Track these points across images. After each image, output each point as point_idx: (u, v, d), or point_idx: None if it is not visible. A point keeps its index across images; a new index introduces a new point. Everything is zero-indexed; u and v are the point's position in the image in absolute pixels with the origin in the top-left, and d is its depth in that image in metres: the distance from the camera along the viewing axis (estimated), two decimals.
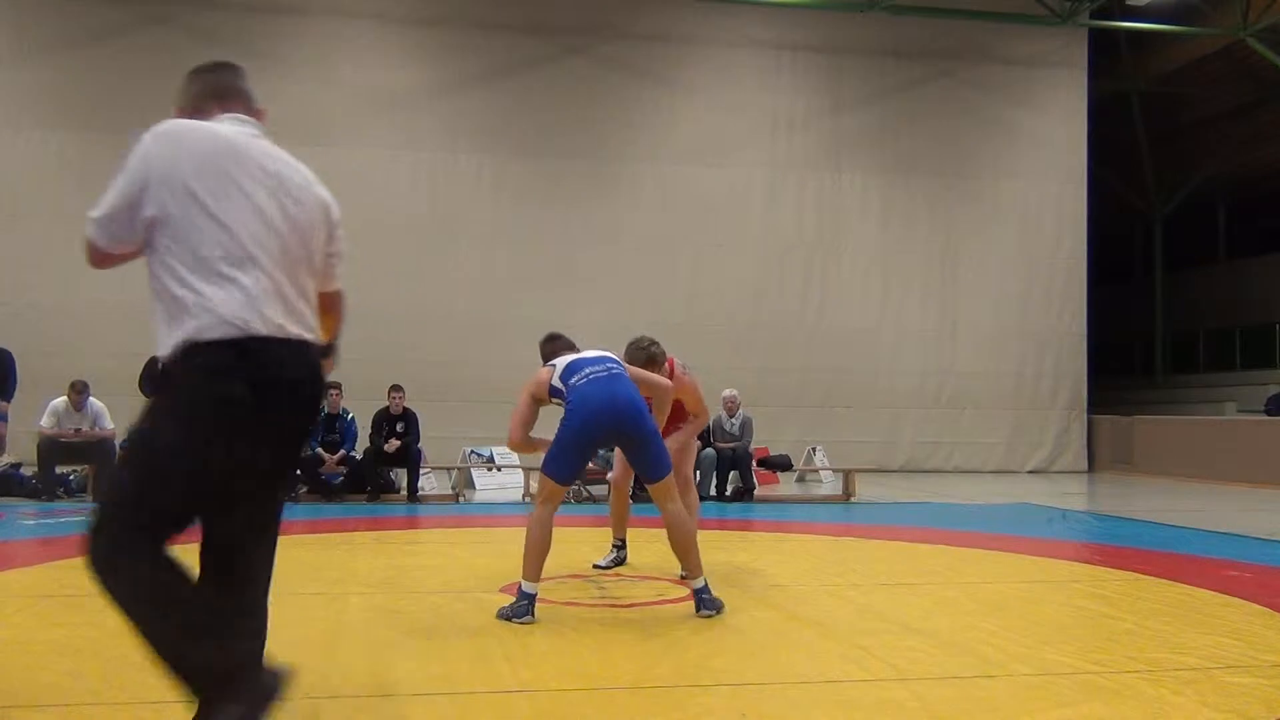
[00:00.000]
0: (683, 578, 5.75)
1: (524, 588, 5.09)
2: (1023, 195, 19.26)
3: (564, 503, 11.38)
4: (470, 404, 16.69)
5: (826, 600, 5.76)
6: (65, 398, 11.35)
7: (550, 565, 6.33)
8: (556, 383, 5.38)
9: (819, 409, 18.28)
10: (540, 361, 5.77)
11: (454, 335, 17.03)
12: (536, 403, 5.50)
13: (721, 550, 7.89)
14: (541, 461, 5.29)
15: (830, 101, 18.72)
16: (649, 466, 5.28)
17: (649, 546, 7.16)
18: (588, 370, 5.32)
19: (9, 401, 11.81)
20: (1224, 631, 5.01)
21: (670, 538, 5.37)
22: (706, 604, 5.22)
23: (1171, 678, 4.14)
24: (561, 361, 5.48)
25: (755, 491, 12.66)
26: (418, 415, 11.96)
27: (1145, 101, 23.92)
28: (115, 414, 11.75)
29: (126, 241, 2.80)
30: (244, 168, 2.82)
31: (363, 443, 11.88)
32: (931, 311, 18.88)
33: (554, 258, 17.59)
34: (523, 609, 5.04)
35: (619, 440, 5.45)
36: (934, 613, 5.41)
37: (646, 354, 6.08)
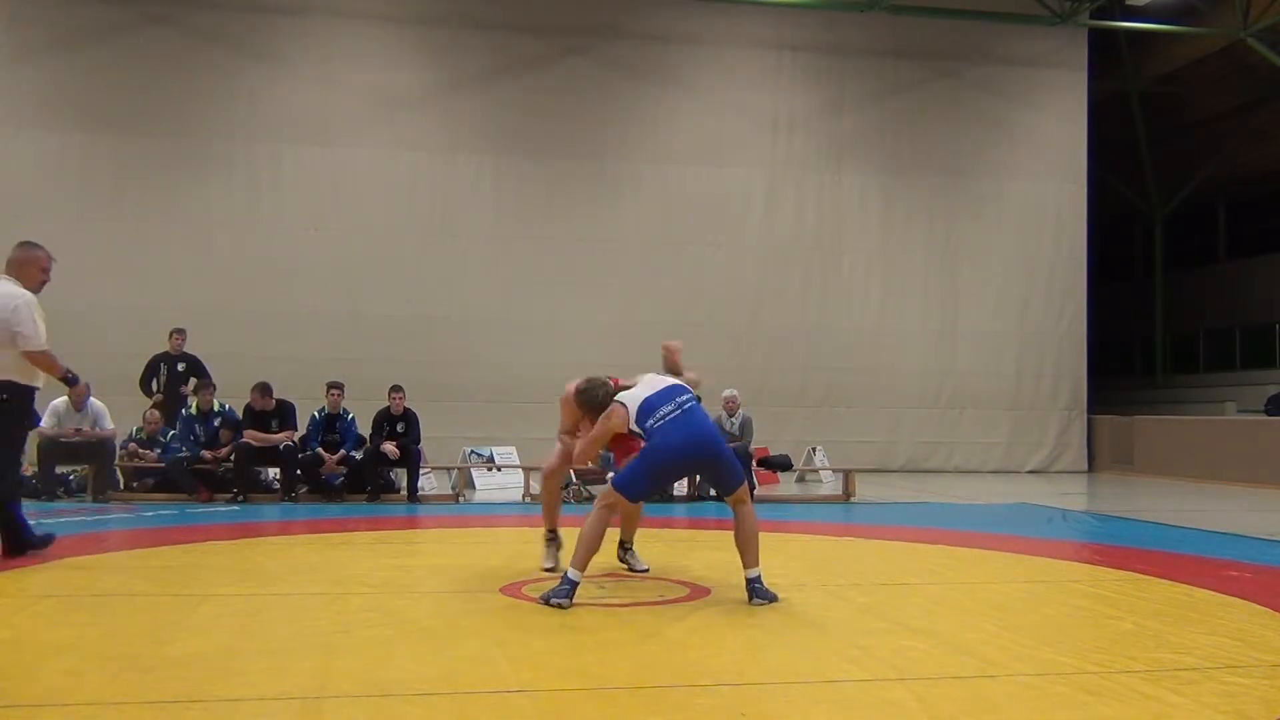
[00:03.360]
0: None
1: (571, 574, 5.43)
2: (1023, 195, 19.26)
3: (564, 502, 11.38)
4: (470, 404, 16.71)
5: (826, 600, 5.76)
6: (65, 398, 11.33)
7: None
8: (634, 427, 5.75)
9: (819, 409, 18.29)
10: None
11: (454, 335, 17.03)
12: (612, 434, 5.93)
13: (722, 550, 7.88)
14: (613, 478, 5.79)
15: (830, 101, 18.72)
16: (727, 483, 5.80)
17: (649, 547, 7.16)
18: (662, 411, 5.69)
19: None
20: (1224, 631, 5.01)
21: (738, 532, 5.77)
22: (759, 593, 5.59)
23: (1171, 678, 4.15)
24: (631, 404, 5.77)
25: (755, 491, 12.64)
26: (418, 415, 11.96)
27: (1145, 101, 23.91)
28: (115, 414, 11.76)
29: None
30: None
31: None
32: (932, 311, 18.88)
33: (554, 258, 17.59)
34: (563, 591, 5.36)
35: (697, 470, 6.00)
36: (934, 613, 5.41)
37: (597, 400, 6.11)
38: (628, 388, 5.97)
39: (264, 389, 11.61)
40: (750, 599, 5.58)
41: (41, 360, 6.53)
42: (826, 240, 18.56)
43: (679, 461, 5.80)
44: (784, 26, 18.48)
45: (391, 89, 17.34)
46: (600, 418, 5.88)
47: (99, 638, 4.62)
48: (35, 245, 6.80)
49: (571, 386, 6.17)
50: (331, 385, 11.90)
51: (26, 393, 6.58)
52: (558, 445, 6.62)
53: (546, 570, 6.46)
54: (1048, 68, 19.40)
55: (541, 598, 5.45)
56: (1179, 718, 3.66)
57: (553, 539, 6.65)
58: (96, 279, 16.16)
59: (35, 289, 6.65)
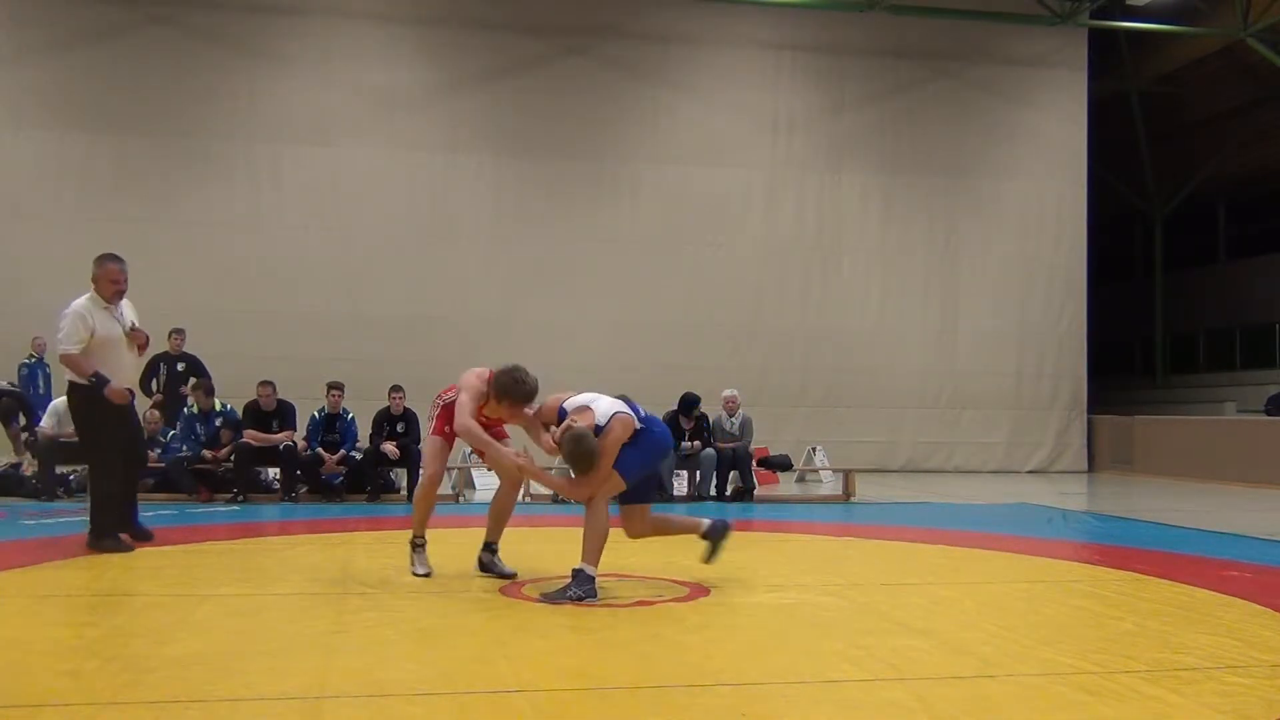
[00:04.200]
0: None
1: (587, 569, 5.55)
2: (1023, 195, 19.26)
3: (563, 503, 11.37)
4: None
5: (826, 600, 5.76)
6: (65, 398, 11.32)
7: (548, 565, 6.36)
8: (638, 424, 5.86)
9: (819, 409, 18.29)
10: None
11: (454, 335, 17.02)
12: None
13: (722, 550, 7.88)
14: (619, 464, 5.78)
15: (830, 101, 18.72)
16: (656, 495, 6.35)
17: (648, 547, 7.15)
18: (642, 410, 5.99)
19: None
20: (1224, 631, 5.01)
21: (649, 523, 6.20)
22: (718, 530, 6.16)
23: (1171, 678, 4.14)
24: (621, 404, 5.89)
25: (755, 491, 12.65)
26: (418, 415, 11.95)
27: (1145, 101, 23.91)
28: None
29: None
30: None
31: (363, 442, 11.90)
32: (931, 312, 18.88)
33: (554, 258, 17.59)
34: (589, 590, 5.50)
35: (656, 469, 6.26)
36: (934, 613, 5.41)
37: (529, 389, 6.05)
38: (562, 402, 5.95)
39: (271, 385, 11.68)
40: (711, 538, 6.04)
41: (66, 362, 7.09)
42: (826, 240, 18.56)
43: (662, 457, 6.09)
44: (784, 26, 18.48)
45: (391, 89, 17.34)
46: (608, 434, 5.65)
47: (99, 638, 4.62)
48: (111, 259, 7.23)
49: (476, 379, 6.10)
50: (332, 385, 11.91)
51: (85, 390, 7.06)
52: (433, 443, 6.27)
53: (421, 575, 6.16)
54: (1048, 68, 19.40)
55: (568, 597, 5.42)
56: (1179, 718, 3.66)
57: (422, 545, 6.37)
58: None
59: (110, 299, 7.17)
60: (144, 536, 7.52)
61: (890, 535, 9.03)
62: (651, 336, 17.53)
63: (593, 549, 5.56)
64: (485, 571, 6.24)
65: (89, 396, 7.02)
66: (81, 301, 7.11)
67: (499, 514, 6.35)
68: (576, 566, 5.53)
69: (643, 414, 5.88)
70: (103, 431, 7.11)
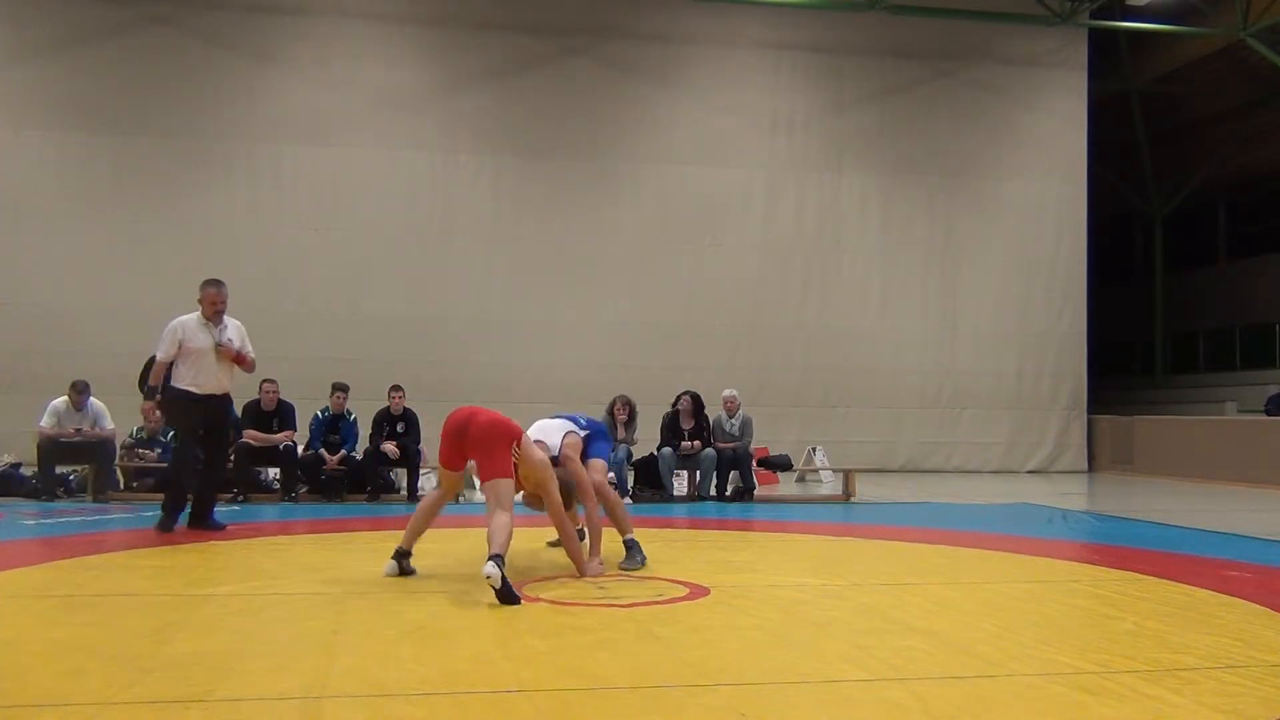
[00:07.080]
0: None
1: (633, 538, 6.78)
2: (1023, 195, 19.27)
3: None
4: (470, 404, 16.68)
5: (826, 600, 5.76)
6: (65, 398, 11.34)
7: (549, 565, 6.35)
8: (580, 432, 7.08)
9: (819, 409, 18.29)
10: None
11: (454, 335, 17.04)
12: None
13: (722, 550, 7.89)
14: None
15: (830, 101, 18.72)
16: None
17: (647, 547, 7.16)
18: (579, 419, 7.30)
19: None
20: (1224, 631, 5.01)
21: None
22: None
23: (1171, 678, 4.14)
24: (565, 424, 7.10)
25: (755, 491, 12.65)
26: (418, 415, 11.96)
27: (1145, 101, 23.92)
28: (115, 414, 11.75)
29: None
30: None
31: (363, 442, 11.90)
32: (931, 311, 18.89)
33: (554, 258, 17.59)
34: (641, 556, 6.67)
35: None
36: (934, 613, 5.41)
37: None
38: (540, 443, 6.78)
39: (275, 383, 11.70)
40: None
41: (156, 365, 8.38)
42: (826, 240, 18.56)
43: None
44: (784, 26, 18.48)
45: (391, 89, 17.34)
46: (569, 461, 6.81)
47: (99, 638, 4.62)
48: (211, 284, 8.38)
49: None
50: (336, 386, 11.91)
51: (184, 396, 8.25)
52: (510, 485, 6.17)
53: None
54: (1048, 68, 19.40)
55: (639, 562, 6.56)
56: (1179, 718, 3.66)
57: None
58: (97, 279, 16.18)
59: (210, 318, 8.35)
60: (215, 528, 8.44)
61: (890, 535, 9.03)
62: (651, 336, 17.54)
63: (624, 522, 6.77)
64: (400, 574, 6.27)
65: (165, 398, 8.32)
66: (184, 316, 8.35)
67: (423, 525, 6.49)
68: (627, 538, 6.68)
69: (584, 421, 7.06)
70: (178, 428, 8.68)
